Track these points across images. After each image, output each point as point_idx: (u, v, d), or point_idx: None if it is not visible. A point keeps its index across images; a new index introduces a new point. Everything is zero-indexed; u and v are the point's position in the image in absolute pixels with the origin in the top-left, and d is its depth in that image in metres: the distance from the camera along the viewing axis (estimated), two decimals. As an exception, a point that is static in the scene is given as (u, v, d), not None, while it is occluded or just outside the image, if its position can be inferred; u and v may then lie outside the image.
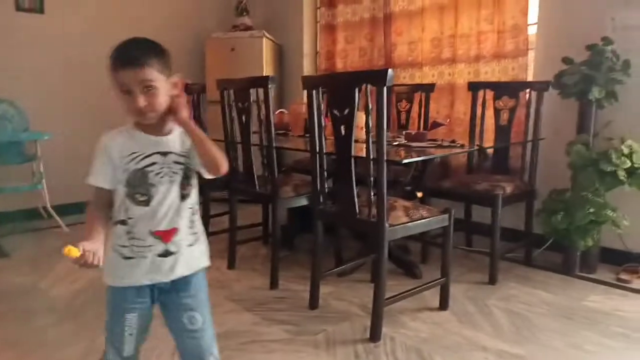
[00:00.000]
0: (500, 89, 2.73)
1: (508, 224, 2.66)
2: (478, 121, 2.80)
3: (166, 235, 1.16)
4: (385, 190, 1.81)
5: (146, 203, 1.13)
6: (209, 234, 2.78)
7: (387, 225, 1.84)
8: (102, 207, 1.16)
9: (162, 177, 1.14)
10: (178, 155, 1.16)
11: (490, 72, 2.98)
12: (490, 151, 2.79)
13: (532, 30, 2.86)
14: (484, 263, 2.53)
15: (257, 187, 2.50)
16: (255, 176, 2.51)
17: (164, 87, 1.10)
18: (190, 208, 1.19)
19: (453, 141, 2.35)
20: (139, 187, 1.13)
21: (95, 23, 3.66)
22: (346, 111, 1.86)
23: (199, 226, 1.23)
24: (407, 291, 2.00)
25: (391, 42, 3.44)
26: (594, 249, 2.48)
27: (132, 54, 1.08)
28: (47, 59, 3.50)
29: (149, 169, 1.13)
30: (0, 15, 3.30)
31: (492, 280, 2.43)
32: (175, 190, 1.15)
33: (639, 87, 2.44)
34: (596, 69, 2.38)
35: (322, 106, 2.08)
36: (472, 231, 2.96)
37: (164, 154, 1.14)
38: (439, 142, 2.31)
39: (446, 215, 2.05)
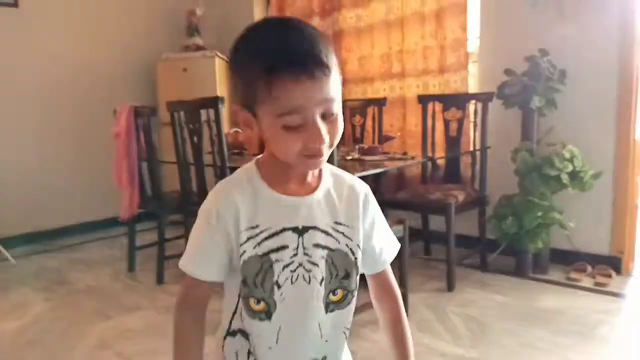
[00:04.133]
0: (448, 101, 2.82)
1: (463, 231, 2.73)
2: (429, 132, 2.88)
3: None
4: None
5: (267, 316, 0.71)
6: (165, 258, 2.73)
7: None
8: (201, 314, 0.75)
9: (293, 270, 0.70)
10: (322, 232, 0.72)
11: (438, 85, 3.08)
12: (441, 161, 2.87)
13: (474, 44, 2.98)
14: (442, 271, 2.57)
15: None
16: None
17: (340, 105, 0.68)
18: (344, 330, 0.77)
19: (405, 153, 2.41)
20: (257, 287, 0.70)
21: (46, 43, 3.56)
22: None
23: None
24: (366, 304, 2.00)
25: (342, 58, 3.50)
26: (544, 250, 2.58)
27: (313, 53, 0.63)
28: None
29: (275, 256, 0.70)
30: None
31: (450, 287, 2.47)
32: (315, 296, 0.72)
33: (576, 94, 2.57)
34: (535, 79, 2.50)
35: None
36: (430, 240, 3.02)
37: (301, 230, 0.71)
38: (392, 155, 2.36)
39: (400, 226, 2.08)
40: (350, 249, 0.75)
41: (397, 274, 2.15)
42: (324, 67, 0.63)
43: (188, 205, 2.59)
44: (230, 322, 0.76)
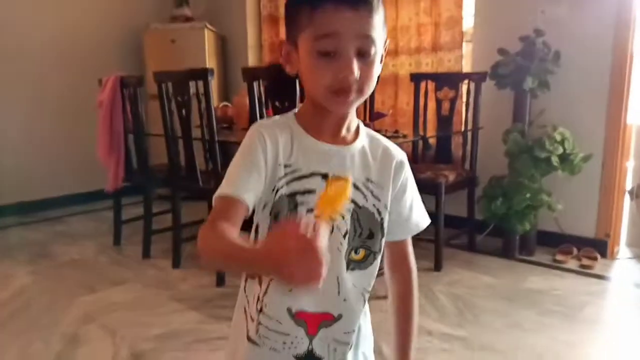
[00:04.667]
0: (441, 80, 2.79)
1: (452, 212, 2.73)
2: (421, 111, 2.85)
3: (313, 323, 0.73)
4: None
5: None
6: (152, 232, 2.70)
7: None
8: (237, 225, 0.67)
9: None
10: (354, 187, 0.72)
11: (431, 64, 3.04)
12: (433, 140, 2.85)
13: (468, 23, 2.94)
14: (430, 250, 2.58)
15: (201, 183, 2.44)
16: (199, 171, 2.44)
17: (379, 59, 0.70)
18: (364, 292, 0.77)
19: (396, 131, 2.38)
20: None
21: (30, 11, 3.43)
22: (286, 103, 1.84)
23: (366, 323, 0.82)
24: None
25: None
26: (531, 232, 2.59)
27: None
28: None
29: (301, 198, 0.70)
30: None
31: (438, 267, 2.48)
32: (338, 248, 0.72)
33: (569, 77, 2.55)
34: (529, 59, 2.48)
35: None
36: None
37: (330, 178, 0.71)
38: (383, 133, 2.33)
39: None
40: (377, 209, 0.75)
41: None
42: (366, 3, 0.65)
43: (175, 179, 2.55)
44: None
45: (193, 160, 2.46)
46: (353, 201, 0.72)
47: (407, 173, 0.80)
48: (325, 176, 0.71)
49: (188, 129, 2.41)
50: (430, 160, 2.83)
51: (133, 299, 2.15)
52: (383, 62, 0.72)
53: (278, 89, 1.77)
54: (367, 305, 0.80)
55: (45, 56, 3.56)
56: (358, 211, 0.73)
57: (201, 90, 2.24)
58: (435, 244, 2.49)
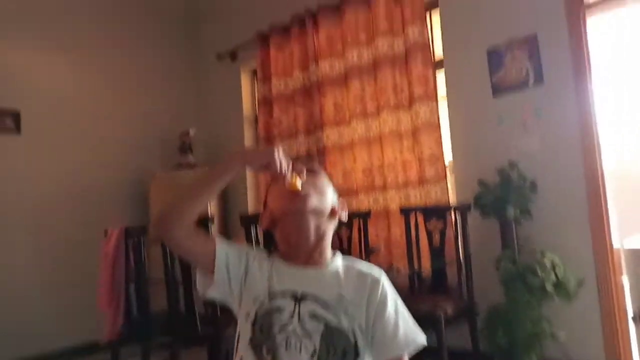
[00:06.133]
0: (429, 212, 2.92)
1: (456, 344, 2.67)
2: (413, 243, 2.93)
3: None
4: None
5: None
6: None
7: None
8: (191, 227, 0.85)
9: (287, 336, 0.76)
10: (322, 304, 0.78)
11: (419, 196, 3.19)
12: (427, 272, 2.89)
13: (449, 157, 3.16)
14: (436, 389, 2.47)
15: (200, 328, 2.44)
16: (197, 316, 2.47)
17: (330, 190, 0.95)
18: None
19: (390, 265, 2.45)
20: (265, 340, 0.77)
21: (37, 172, 3.72)
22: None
23: None
24: None
25: (327, 173, 3.65)
26: (539, 362, 2.51)
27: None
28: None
29: (274, 317, 0.79)
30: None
31: (445, 407, 2.36)
32: None
33: (549, 204, 2.67)
34: (507, 190, 2.63)
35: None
36: (422, 355, 2.92)
37: (299, 298, 0.79)
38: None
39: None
40: (352, 329, 0.79)
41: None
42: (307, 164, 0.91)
43: (176, 325, 2.55)
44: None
45: (192, 305, 2.49)
46: (324, 320, 0.78)
47: (386, 290, 0.86)
48: (294, 296, 0.79)
49: (188, 274, 2.48)
50: (427, 291, 2.84)
51: None
52: (339, 215, 0.92)
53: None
54: None
55: (56, 209, 3.76)
56: (330, 331, 0.77)
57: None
58: (440, 382, 2.40)
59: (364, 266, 0.90)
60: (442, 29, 3.16)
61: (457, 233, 2.78)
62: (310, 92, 3.77)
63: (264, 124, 4.10)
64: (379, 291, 0.85)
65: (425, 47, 3.12)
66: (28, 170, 3.68)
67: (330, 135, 3.65)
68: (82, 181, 3.91)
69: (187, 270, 2.48)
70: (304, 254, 0.87)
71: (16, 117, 3.66)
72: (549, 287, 2.42)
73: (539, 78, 2.72)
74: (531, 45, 2.74)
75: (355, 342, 0.79)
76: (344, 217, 0.93)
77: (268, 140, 4.08)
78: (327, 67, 3.64)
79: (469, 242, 2.74)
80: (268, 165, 0.81)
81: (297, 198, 0.87)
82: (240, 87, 4.49)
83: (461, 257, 2.77)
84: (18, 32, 3.72)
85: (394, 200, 3.30)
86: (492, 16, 2.91)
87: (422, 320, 2.49)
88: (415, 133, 3.19)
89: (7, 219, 3.55)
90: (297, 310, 0.78)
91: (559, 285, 2.45)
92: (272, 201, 0.91)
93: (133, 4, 4.37)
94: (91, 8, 4.13)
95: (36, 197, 3.69)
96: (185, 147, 4.40)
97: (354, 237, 3.26)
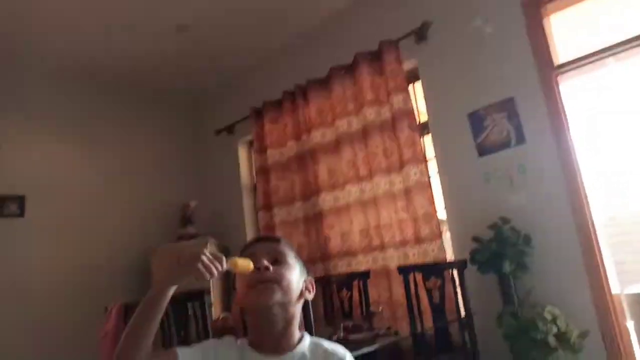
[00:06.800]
0: (426, 270, 2.94)
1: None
2: (414, 302, 2.93)
3: None
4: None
5: None
6: None
7: None
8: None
9: None
10: None
11: (417, 255, 3.23)
12: (430, 331, 2.86)
13: (443, 215, 3.24)
14: None
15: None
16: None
17: (296, 274, 0.95)
18: None
19: (389, 328, 2.44)
20: None
21: (40, 254, 3.77)
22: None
23: None
24: None
25: (325, 235, 3.73)
26: (552, 421, 2.43)
27: (270, 235, 1.01)
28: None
29: None
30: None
31: None
32: None
33: (545, 257, 2.71)
34: (502, 245, 2.68)
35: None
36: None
37: None
38: (377, 331, 2.39)
39: (393, 410, 2.02)
40: None
41: None
42: (275, 239, 1.00)
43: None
44: None
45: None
46: None
47: None
48: None
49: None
50: (432, 352, 2.80)
51: None
52: (312, 292, 0.97)
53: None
54: None
55: (51, 288, 3.77)
56: None
57: (198, 311, 2.38)
58: None
59: (330, 346, 0.96)
60: (425, 97, 3.36)
61: (457, 290, 2.79)
62: (305, 159, 3.92)
63: (263, 192, 4.21)
64: None
65: (410, 113, 3.29)
66: (30, 251, 3.74)
67: (326, 200, 3.74)
68: (83, 260, 3.96)
69: (186, 345, 2.47)
70: (272, 342, 0.92)
71: (21, 201, 3.77)
72: (552, 341, 2.40)
73: (520, 137, 2.86)
74: (509, 107, 2.90)
75: None
76: (310, 297, 0.97)
77: (267, 207, 4.18)
78: (319, 136, 3.81)
79: (468, 298, 2.75)
80: (196, 275, 0.84)
81: (261, 292, 0.90)
82: (238, 158, 4.66)
83: (462, 314, 2.76)
84: (23, 122, 3.92)
85: (393, 259, 3.33)
86: (469, 83, 3.10)
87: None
88: (407, 193, 3.28)
89: (9, 300, 3.56)
90: None
91: (561, 338, 2.43)
92: (239, 288, 0.96)
93: (135, 88, 4.63)
94: (91, 96, 4.36)
95: (38, 278, 3.72)
96: (186, 219, 4.49)
97: (354, 298, 3.26)
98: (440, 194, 3.23)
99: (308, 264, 3.78)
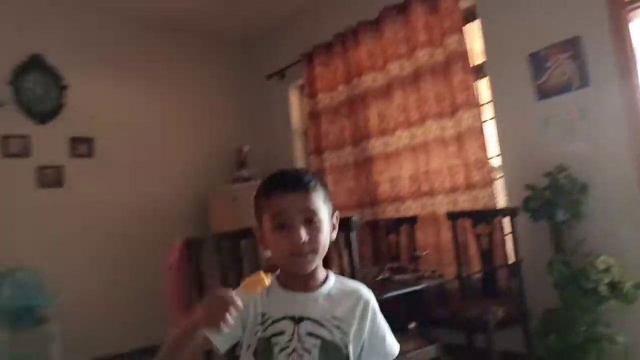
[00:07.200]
0: (476, 217, 2.94)
1: (511, 348, 2.66)
2: (462, 248, 2.96)
3: None
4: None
5: None
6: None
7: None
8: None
9: (289, 354, 0.85)
10: (316, 323, 0.87)
11: (467, 201, 3.20)
12: (478, 276, 2.90)
13: (497, 162, 3.16)
14: (489, 393, 2.48)
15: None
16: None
17: (327, 224, 0.91)
18: None
19: (434, 271, 2.49)
20: None
21: (108, 192, 4.07)
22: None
23: None
24: None
25: (374, 180, 3.76)
26: (599, 368, 2.44)
27: (296, 177, 0.92)
28: (66, 228, 3.83)
29: (275, 340, 0.87)
30: (23, 194, 3.71)
31: (499, 412, 2.37)
32: None
33: (601, 205, 2.61)
34: (557, 193, 2.60)
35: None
36: (477, 358, 2.93)
37: (297, 320, 0.88)
38: (421, 273, 2.45)
39: (434, 347, 2.10)
40: (345, 343, 0.89)
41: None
42: (303, 186, 0.90)
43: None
44: None
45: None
46: (320, 337, 0.88)
47: (375, 309, 0.96)
48: (293, 318, 0.89)
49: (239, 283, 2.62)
50: (478, 296, 2.85)
51: None
52: (336, 229, 0.95)
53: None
54: None
55: (119, 224, 4.06)
56: (326, 346, 0.88)
57: (250, 246, 2.52)
58: (492, 386, 2.41)
59: (354, 285, 0.98)
60: (483, 37, 3.19)
61: (506, 237, 2.78)
62: (355, 104, 3.89)
63: (313, 136, 4.26)
64: (370, 311, 0.95)
65: (465, 55, 3.15)
66: (100, 189, 4.04)
67: (376, 145, 3.74)
68: (148, 198, 4.23)
69: (237, 284, 2.61)
70: (301, 282, 0.94)
71: (90, 143, 4.04)
72: (603, 290, 2.37)
73: (584, 80, 2.69)
74: (574, 47, 2.71)
75: (347, 355, 0.90)
76: (334, 234, 0.96)
77: (317, 152, 4.24)
78: (370, 80, 3.75)
79: (518, 246, 2.73)
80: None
81: (301, 265, 0.89)
82: (289, 102, 4.69)
83: (511, 261, 2.76)
84: (91, 65, 4.11)
85: (442, 206, 3.33)
86: (532, 22, 2.90)
87: (472, 324, 2.55)
88: (459, 139, 3.22)
89: (81, 234, 3.90)
90: (296, 331, 0.88)
91: (615, 287, 2.39)
92: (274, 250, 0.92)
93: (194, 36, 4.70)
94: (152, 40, 4.48)
95: (107, 213, 4.03)
96: (240, 163, 4.65)
97: (401, 243, 3.32)
98: (494, 140, 3.14)
99: (357, 208, 3.85)
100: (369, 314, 0.95)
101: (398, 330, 2.62)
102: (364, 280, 2.45)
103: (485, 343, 2.43)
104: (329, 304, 0.92)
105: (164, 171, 4.40)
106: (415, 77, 3.43)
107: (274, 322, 0.89)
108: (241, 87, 5.03)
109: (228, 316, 0.78)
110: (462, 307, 2.67)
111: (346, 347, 0.90)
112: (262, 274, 0.84)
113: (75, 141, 3.98)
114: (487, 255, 2.87)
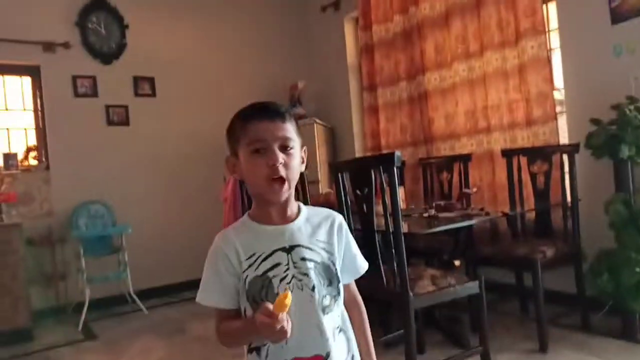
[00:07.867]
0: (532, 154, 2.79)
1: (561, 288, 2.61)
2: (516, 186, 2.85)
3: None
4: (405, 260, 1.94)
5: None
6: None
7: (411, 294, 1.94)
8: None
9: (288, 282, 0.90)
10: (307, 248, 0.93)
11: (527, 138, 3.04)
12: (531, 215, 2.80)
13: (560, 95, 2.93)
14: (534, 330, 2.46)
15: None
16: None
17: (299, 154, 0.95)
18: (339, 327, 0.96)
19: (482, 209, 2.43)
20: (269, 294, 0.89)
21: (167, 129, 4.27)
22: (366, 190, 2.07)
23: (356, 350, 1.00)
24: (444, 360, 2.03)
25: (428, 117, 3.64)
26: (654, 311, 2.35)
27: (274, 106, 0.96)
28: (132, 162, 4.11)
29: (271, 273, 0.90)
30: (95, 131, 3.98)
31: (543, 348, 2.36)
32: (310, 300, 0.91)
33: (675, 141, 2.39)
34: (623, 127, 2.39)
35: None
36: (525, 297, 2.90)
37: (288, 249, 0.92)
38: (467, 211, 2.41)
39: (476, 283, 2.10)
40: (332, 262, 0.97)
41: (492, 332, 2.13)
42: (280, 115, 0.94)
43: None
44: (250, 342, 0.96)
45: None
46: (312, 260, 0.94)
47: (347, 229, 1.03)
48: (284, 249, 0.93)
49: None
50: (531, 235, 2.77)
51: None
52: (305, 163, 0.99)
53: (358, 180, 2.06)
54: (347, 321, 1.01)
55: (178, 158, 4.28)
56: (319, 267, 0.94)
57: (298, 185, 2.57)
58: (538, 323, 2.39)
59: (325, 211, 1.03)
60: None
61: (565, 175, 2.63)
62: (411, 36, 3.71)
63: (367, 72, 4.16)
64: (344, 231, 1.01)
65: (531, -25, 2.87)
66: (162, 124, 4.25)
67: (432, 79, 3.59)
68: (204, 134, 4.38)
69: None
70: (279, 215, 0.96)
71: (152, 82, 4.21)
72: (667, 232, 2.22)
73: (667, -2, 2.37)
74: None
75: (336, 271, 0.96)
76: (303, 167, 0.99)
77: (371, 88, 4.14)
78: (428, 7, 3.53)
79: (576, 185, 2.59)
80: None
81: (275, 192, 0.91)
82: (344, 36, 4.56)
83: (568, 201, 2.63)
84: (148, 3, 4.20)
85: (499, 143, 3.19)
86: None
87: (519, 263, 2.51)
88: (521, 71, 3.00)
89: (145, 167, 4.16)
90: (290, 259, 0.92)
91: (679, 229, 2.23)
92: (246, 169, 0.94)
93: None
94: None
95: (167, 149, 4.26)
96: (295, 99, 4.66)
97: (454, 181, 3.25)
98: (560, 70, 2.90)
99: (410, 146, 3.78)
100: (344, 234, 1.01)
101: (443, 266, 2.65)
102: (409, 217, 2.47)
103: (533, 283, 2.38)
104: (310, 229, 0.97)
105: (220, 108, 4.50)
106: (477, 3, 3.20)
107: (266, 257, 0.92)
108: (297, 21, 4.94)
109: (287, 330, 0.81)
110: (511, 246, 2.61)
111: (334, 265, 0.97)
112: (289, 295, 0.82)
113: (138, 80, 4.16)
114: (543, 194, 2.74)
